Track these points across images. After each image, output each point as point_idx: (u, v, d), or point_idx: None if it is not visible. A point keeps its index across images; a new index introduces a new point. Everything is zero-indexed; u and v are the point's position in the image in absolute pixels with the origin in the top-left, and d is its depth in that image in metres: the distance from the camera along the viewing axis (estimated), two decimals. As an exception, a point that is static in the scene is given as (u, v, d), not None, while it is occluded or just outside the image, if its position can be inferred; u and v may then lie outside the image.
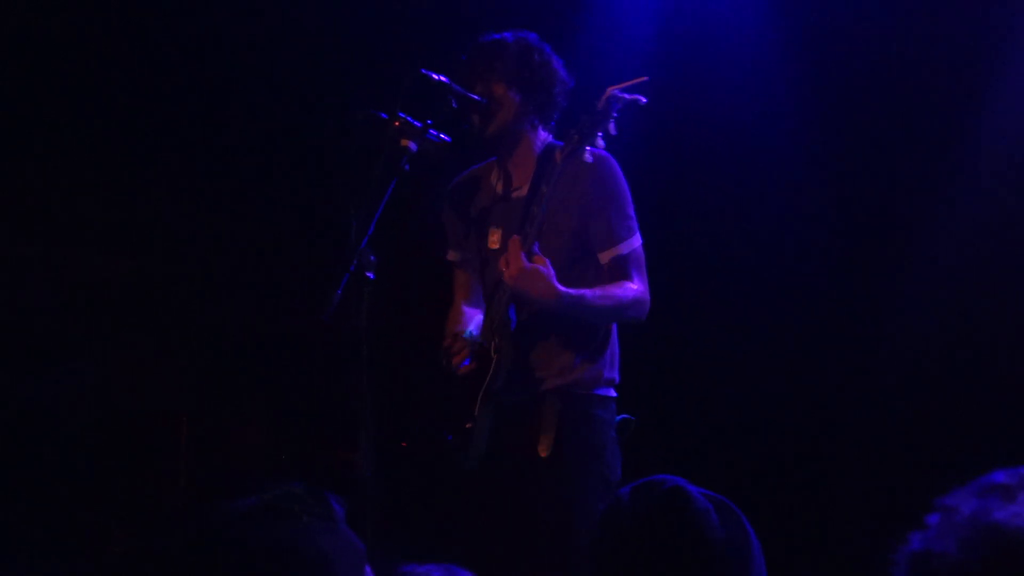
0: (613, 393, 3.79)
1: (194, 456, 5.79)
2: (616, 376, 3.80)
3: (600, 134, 3.50)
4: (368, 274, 3.30)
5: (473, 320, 3.93)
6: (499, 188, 3.87)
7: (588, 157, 3.54)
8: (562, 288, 3.51)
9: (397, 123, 3.51)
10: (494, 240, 3.83)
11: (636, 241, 3.72)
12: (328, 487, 1.82)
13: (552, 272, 3.50)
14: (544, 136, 3.85)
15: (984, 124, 5.18)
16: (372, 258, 3.31)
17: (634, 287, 3.67)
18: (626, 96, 3.49)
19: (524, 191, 3.81)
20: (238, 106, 6.00)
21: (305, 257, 5.98)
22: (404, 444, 3.95)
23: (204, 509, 1.75)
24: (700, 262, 5.68)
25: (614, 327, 3.81)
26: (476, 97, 3.71)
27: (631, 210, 3.74)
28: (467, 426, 3.72)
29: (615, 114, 3.49)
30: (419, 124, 3.53)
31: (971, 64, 5.18)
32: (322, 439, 5.70)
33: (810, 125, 5.41)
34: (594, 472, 3.67)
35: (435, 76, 3.63)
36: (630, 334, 3.88)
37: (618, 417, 3.77)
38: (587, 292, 3.60)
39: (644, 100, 3.52)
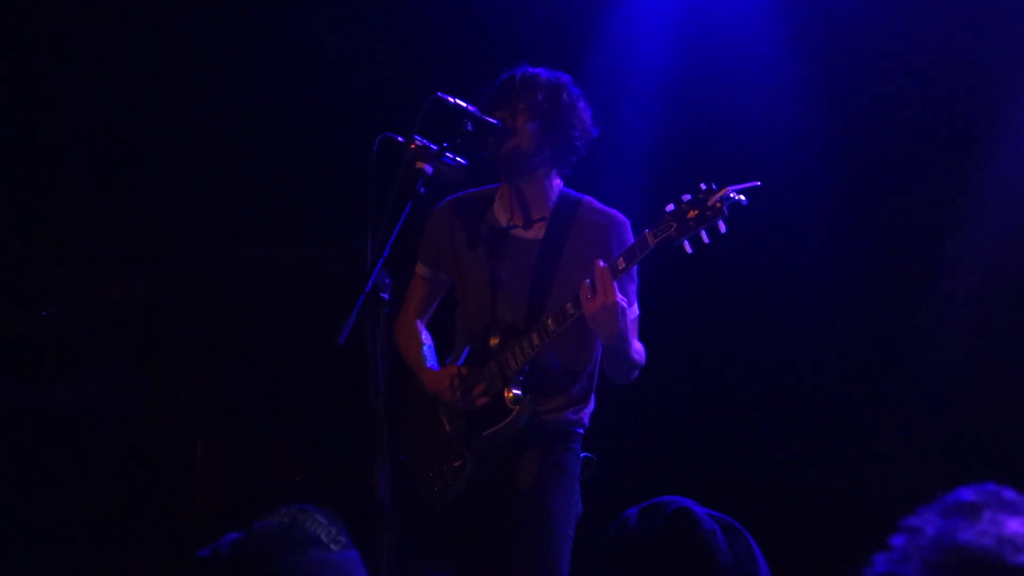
0: (583, 432, 3.88)
1: (210, 479, 5.79)
2: (589, 421, 3.90)
3: (703, 231, 3.37)
4: (383, 296, 3.30)
5: (427, 337, 3.98)
6: (504, 221, 3.86)
7: (688, 249, 3.42)
8: (629, 332, 3.58)
9: (413, 146, 3.52)
10: (504, 275, 3.82)
11: (638, 310, 3.78)
12: (344, 509, 1.82)
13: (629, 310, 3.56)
14: (558, 183, 3.85)
15: (1004, 125, 5.17)
16: (387, 280, 3.32)
17: (642, 351, 3.77)
18: (735, 197, 3.34)
19: (533, 232, 3.82)
20: (254, 127, 6.02)
21: (321, 279, 5.99)
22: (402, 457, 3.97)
23: (235, 535, 1.75)
24: (714, 268, 5.69)
25: (597, 376, 3.88)
26: (493, 121, 3.71)
27: (636, 278, 3.79)
28: (456, 464, 3.75)
29: (727, 213, 3.33)
30: (435, 147, 3.53)
31: (991, 66, 5.16)
32: (337, 461, 5.70)
33: (828, 130, 5.42)
34: (571, 502, 3.77)
35: (451, 99, 3.63)
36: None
37: (582, 455, 3.86)
38: (634, 342, 3.68)
39: (747, 202, 3.36)
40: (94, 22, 5.86)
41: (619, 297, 3.46)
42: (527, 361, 3.68)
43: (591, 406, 3.89)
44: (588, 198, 3.87)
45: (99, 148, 6.06)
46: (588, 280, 3.49)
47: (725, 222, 3.32)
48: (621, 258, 3.50)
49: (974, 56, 5.17)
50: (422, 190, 3.46)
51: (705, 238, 3.37)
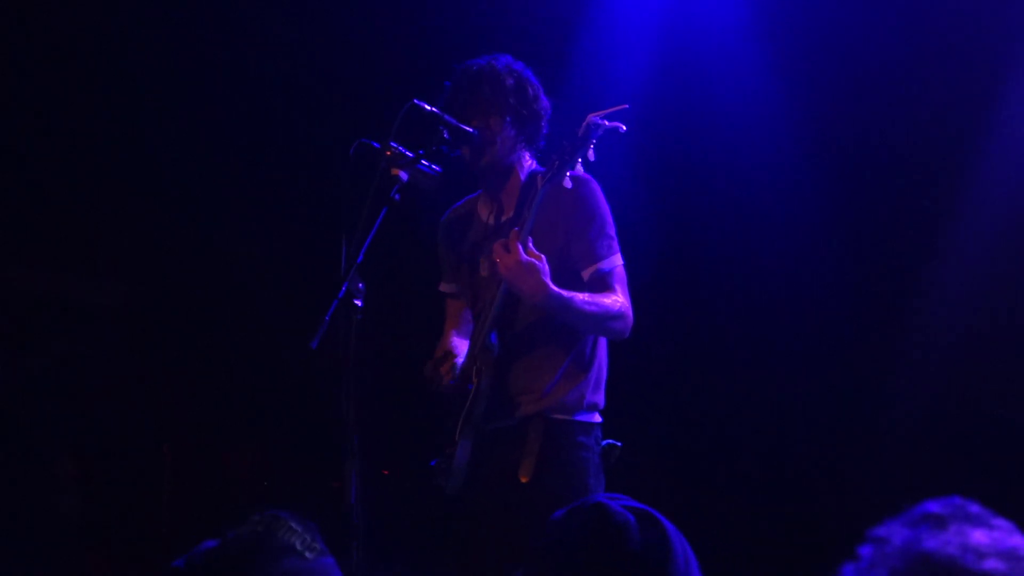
0: (597, 418, 3.79)
1: (178, 484, 5.76)
2: (601, 400, 3.80)
3: (579, 160, 3.50)
4: (356, 302, 3.30)
5: (461, 348, 3.94)
6: (490, 220, 3.91)
7: (567, 182, 3.53)
8: (553, 286, 3.52)
9: (389, 152, 3.53)
10: (484, 268, 3.85)
11: (618, 260, 3.74)
12: (313, 515, 1.82)
13: (547, 269, 3.51)
14: (530, 164, 3.88)
15: (990, 125, 5.21)
16: (361, 286, 3.32)
17: (620, 300, 3.67)
18: (606, 123, 3.49)
19: (507, 217, 3.86)
20: (228, 130, 6.02)
21: (294, 284, 5.99)
22: (386, 472, 3.95)
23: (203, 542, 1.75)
24: (701, 270, 5.73)
25: (602, 350, 3.82)
26: (469, 129, 3.73)
27: (612, 231, 3.76)
28: (447, 451, 3.73)
29: (595, 140, 3.48)
30: (411, 154, 3.55)
31: (978, 64, 5.20)
32: (308, 467, 5.69)
33: (810, 131, 5.46)
34: (576, 499, 3.65)
35: (428, 107, 3.65)
36: (629, 350, 3.90)
37: (603, 442, 3.76)
38: (576, 295, 3.59)
39: (624, 128, 3.51)
40: (63, 21, 5.84)
41: (523, 257, 3.46)
42: (487, 333, 3.66)
43: (594, 384, 3.77)
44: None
45: (73, 149, 6.04)
46: (498, 241, 3.54)
47: (594, 149, 3.48)
48: (516, 230, 3.53)
49: (960, 54, 5.21)
50: (397, 197, 3.48)
51: (580, 169, 3.52)
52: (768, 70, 5.49)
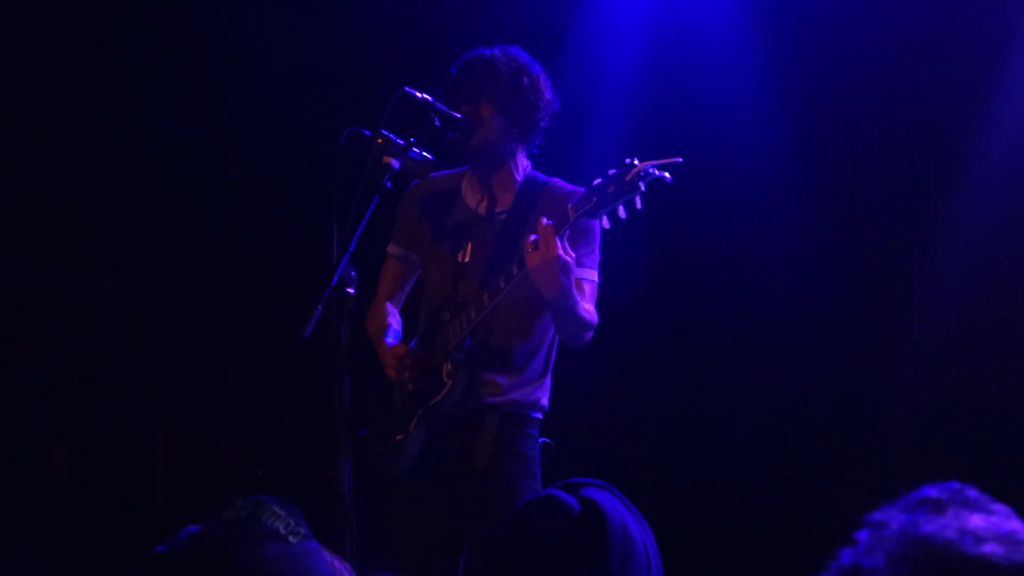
0: (541, 416, 3.88)
1: (171, 473, 5.76)
2: (547, 402, 3.89)
3: (621, 206, 3.39)
4: (349, 290, 3.30)
5: (395, 318, 3.97)
6: (479, 208, 3.89)
7: (606, 224, 3.48)
8: (574, 288, 3.54)
9: (380, 140, 3.52)
10: (466, 254, 3.84)
11: (596, 276, 3.78)
12: (307, 505, 1.81)
13: (575, 267, 3.53)
14: (525, 163, 3.88)
15: (984, 125, 5.21)
16: (353, 274, 3.32)
17: (593, 311, 3.72)
18: (657, 172, 3.35)
19: (504, 216, 3.85)
20: (219, 120, 6.00)
21: (286, 272, 5.98)
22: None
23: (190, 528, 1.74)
24: (696, 269, 5.72)
25: (554, 354, 3.88)
26: (459, 116, 3.72)
27: (598, 248, 3.79)
28: (398, 438, 3.76)
29: (643, 188, 3.34)
30: (402, 142, 3.54)
31: (973, 62, 5.19)
32: (300, 455, 5.68)
33: (805, 129, 5.45)
34: (529, 487, 3.73)
35: (419, 95, 3.64)
36: (630, 337, 3.90)
37: (540, 439, 3.85)
38: (580, 301, 3.62)
39: (670, 179, 3.38)
40: (63, 21, 5.83)
41: (561, 252, 3.45)
42: (466, 334, 3.69)
43: (546, 388, 3.88)
44: (556, 180, 3.89)
45: (69, 146, 6.03)
46: (532, 236, 3.50)
47: (642, 198, 3.35)
48: (552, 224, 3.48)
49: (954, 51, 5.19)
50: (388, 184, 3.47)
51: (622, 213, 3.41)
52: (762, 68, 5.48)
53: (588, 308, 3.68)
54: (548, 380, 3.89)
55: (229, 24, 5.91)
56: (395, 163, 3.50)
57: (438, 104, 3.67)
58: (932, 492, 1.37)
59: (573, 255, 3.51)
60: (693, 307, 5.78)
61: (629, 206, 3.38)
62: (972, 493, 1.37)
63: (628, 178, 3.34)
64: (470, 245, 3.84)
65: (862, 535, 1.36)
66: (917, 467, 5.10)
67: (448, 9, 5.67)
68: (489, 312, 3.69)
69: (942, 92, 5.23)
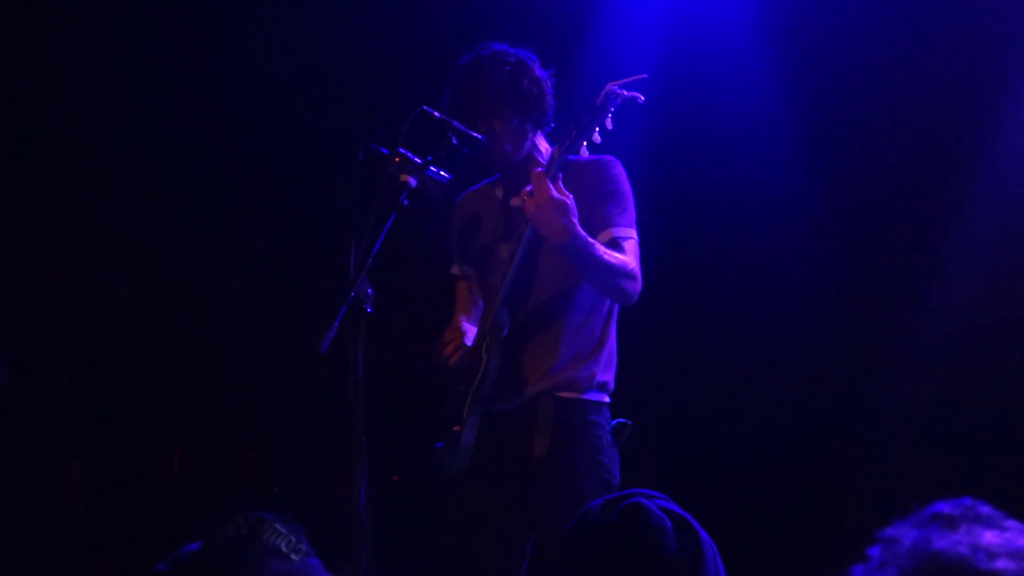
0: (606, 399, 3.77)
1: (186, 487, 5.77)
2: (611, 381, 3.78)
3: (597, 129, 3.49)
4: (365, 307, 3.31)
5: (471, 331, 3.91)
6: (512, 201, 3.88)
7: (585, 152, 3.55)
8: (580, 227, 3.49)
9: (397, 159, 3.54)
10: (504, 251, 3.81)
11: (633, 233, 3.71)
12: (322, 520, 1.81)
13: (575, 208, 3.49)
14: (545, 147, 3.87)
15: (993, 127, 5.21)
16: (369, 291, 3.33)
17: (632, 262, 3.64)
18: (624, 92, 3.47)
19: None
20: (237, 135, 6.03)
21: (303, 289, 5.99)
22: (396, 478, 3.94)
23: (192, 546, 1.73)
24: (704, 267, 5.73)
25: (612, 331, 3.80)
26: (477, 136, 3.73)
27: (632, 211, 3.74)
28: (455, 429, 3.71)
29: (612, 109, 3.46)
30: (419, 160, 3.56)
31: (981, 65, 5.21)
32: (317, 472, 5.69)
33: (813, 129, 5.47)
34: (593, 474, 3.63)
35: (436, 114, 3.66)
36: (631, 337, 3.89)
37: (614, 421, 3.74)
38: (597, 243, 3.56)
39: (642, 98, 3.49)
40: (64, 22, 5.85)
41: (554, 193, 3.44)
42: (499, 309, 3.66)
43: (604, 364, 3.75)
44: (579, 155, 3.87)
45: (79, 153, 6.05)
46: (527, 188, 3.52)
47: (612, 118, 3.47)
48: (542, 171, 3.51)
49: (963, 53, 5.21)
50: (406, 202, 3.48)
51: (597, 138, 3.50)
52: (774, 69, 5.49)
53: (615, 255, 3.59)
54: (606, 356, 3.75)
55: (244, 37, 5.94)
56: (412, 181, 3.51)
57: (455, 123, 3.68)
58: (945, 508, 1.37)
59: (570, 196, 3.47)
60: (699, 306, 5.79)
61: (602, 128, 3.50)
62: (985, 509, 1.37)
63: (598, 102, 3.47)
64: (510, 237, 3.82)
65: (874, 551, 1.36)
66: (924, 468, 5.11)
67: (461, 11, 5.69)
68: (522, 290, 3.67)
69: (951, 93, 5.24)
